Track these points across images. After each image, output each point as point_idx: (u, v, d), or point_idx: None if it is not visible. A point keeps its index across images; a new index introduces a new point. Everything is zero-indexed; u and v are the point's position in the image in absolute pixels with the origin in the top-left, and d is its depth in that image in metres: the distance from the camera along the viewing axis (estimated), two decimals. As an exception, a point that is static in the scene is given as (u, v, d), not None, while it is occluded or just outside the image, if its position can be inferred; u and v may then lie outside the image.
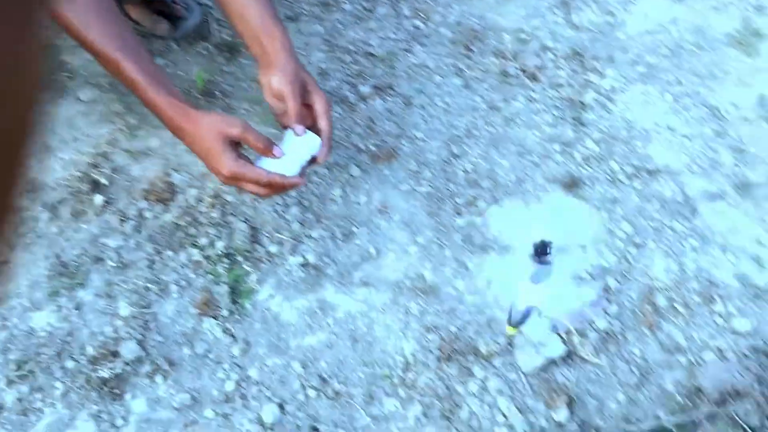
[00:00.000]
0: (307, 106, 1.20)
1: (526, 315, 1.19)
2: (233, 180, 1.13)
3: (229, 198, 1.36)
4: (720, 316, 1.25)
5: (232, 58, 1.61)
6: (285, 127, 1.21)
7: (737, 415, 1.13)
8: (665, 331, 1.24)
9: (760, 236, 1.37)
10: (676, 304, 1.27)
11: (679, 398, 1.16)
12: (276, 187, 1.15)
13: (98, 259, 1.28)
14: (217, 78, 1.56)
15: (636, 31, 1.70)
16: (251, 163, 1.15)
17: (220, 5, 1.23)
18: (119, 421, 1.13)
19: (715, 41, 1.68)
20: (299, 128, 1.18)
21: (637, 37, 1.69)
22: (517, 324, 1.20)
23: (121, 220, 1.32)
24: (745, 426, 1.12)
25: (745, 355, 1.19)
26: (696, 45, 1.67)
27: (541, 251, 1.23)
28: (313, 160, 1.20)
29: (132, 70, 1.12)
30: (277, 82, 1.18)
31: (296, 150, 1.17)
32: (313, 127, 1.20)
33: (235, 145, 1.13)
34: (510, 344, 1.21)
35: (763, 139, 1.50)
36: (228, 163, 1.11)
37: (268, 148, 1.15)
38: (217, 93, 1.54)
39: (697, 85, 1.60)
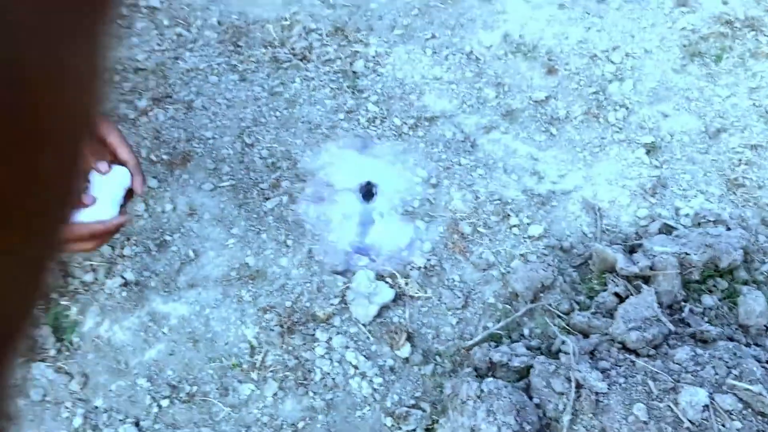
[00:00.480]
0: (99, 140, 1.10)
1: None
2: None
3: (26, 240, 1.30)
4: (516, 227, 1.40)
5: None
6: None
7: (550, 306, 1.27)
8: (476, 253, 1.36)
9: (532, 153, 1.54)
10: (479, 228, 1.39)
11: (500, 306, 1.29)
12: (100, 236, 1.06)
13: None
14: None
15: (386, -1, 1.83)
16: None
17: None
18: (-37, 493, 1.05)
19: (456, -5, 1.85)
20: (102, 165, 1.08)
21: (389, 5, 1.82)
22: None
23: None
24: (558, 313, 1.26)
25: (544, 254, 1.34)
26: (441, 1, 1.83)
27: (367, 192, 1.33)
28: (129, 193, 1.11)
29: None
30: None
31: (107, 189, 1.08)
32: (115, 160, 1.10)
33: None
34: (344, 301, 1.27)
35: (514, 70, 1.69)
36: None
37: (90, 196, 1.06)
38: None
39: (450, 36, 1.75)
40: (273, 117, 1.54)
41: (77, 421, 1.13)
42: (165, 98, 1.56)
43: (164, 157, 1.45)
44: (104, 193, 1.07)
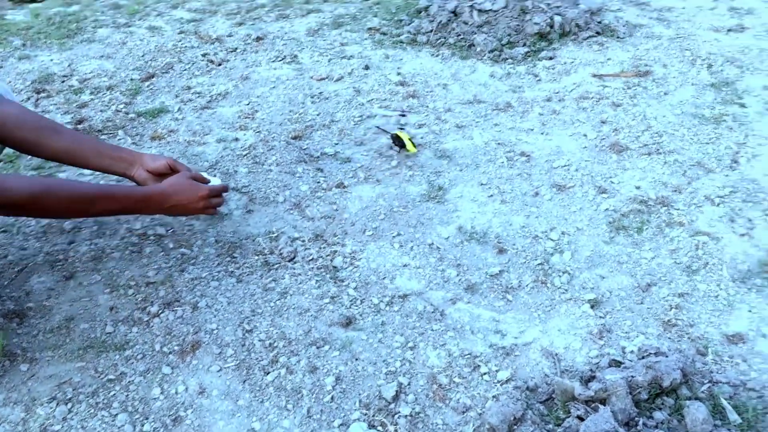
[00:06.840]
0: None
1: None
2: (207, 198, 1.83)
3: (56, 428, 1.46)
4: (487, 375, 1.60)
5: (21, 322, 1.76)
6: None
7: (524, 435, 1.44)
8: (454, 399, 1.55)
9: (494, 316, 1.78)
10: (454, 378, 1.59)
11: (480, 440, 1.45)
12: (223, 191, 1.92)
13: None
14: (13, 341, 1.69)
15: (356, 209, 2.18)
16: None
17: (70, 158, 1.81)
18: None
19: (414, 201, 2.21)
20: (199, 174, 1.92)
21: (359, 213, 2.16)
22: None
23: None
24: (532, 440, 1.43)
25: (513, 394, 1.53)
26: (402, 206, 2.18)
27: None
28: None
29: (105, 192, 1.70)
30: (160, 165, 1.88)
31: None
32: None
33: None
34: (342, 450, 1.43)
35: (471, 254, 1.98)
36: (203, 187, 1.84)
37: (206, 177, 1.93)
38: (17, 351, 1.67)
39: (413, 233, 2.08)
40: (268, 307, 1.79)
41: None
42: (174, 302, 1.82)
43: (176, 348, 1.67)
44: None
